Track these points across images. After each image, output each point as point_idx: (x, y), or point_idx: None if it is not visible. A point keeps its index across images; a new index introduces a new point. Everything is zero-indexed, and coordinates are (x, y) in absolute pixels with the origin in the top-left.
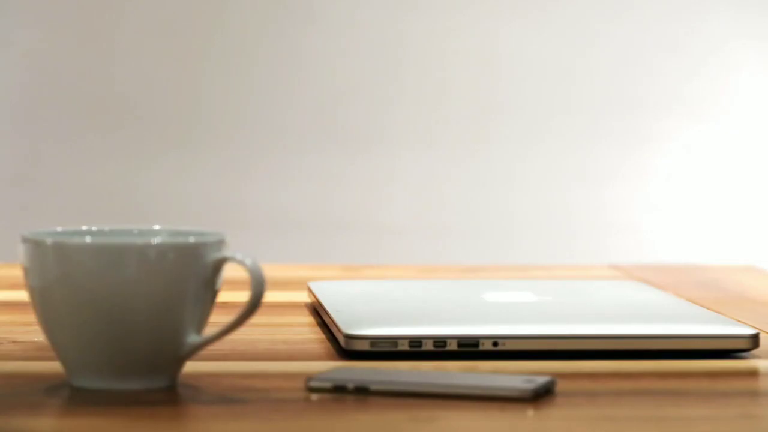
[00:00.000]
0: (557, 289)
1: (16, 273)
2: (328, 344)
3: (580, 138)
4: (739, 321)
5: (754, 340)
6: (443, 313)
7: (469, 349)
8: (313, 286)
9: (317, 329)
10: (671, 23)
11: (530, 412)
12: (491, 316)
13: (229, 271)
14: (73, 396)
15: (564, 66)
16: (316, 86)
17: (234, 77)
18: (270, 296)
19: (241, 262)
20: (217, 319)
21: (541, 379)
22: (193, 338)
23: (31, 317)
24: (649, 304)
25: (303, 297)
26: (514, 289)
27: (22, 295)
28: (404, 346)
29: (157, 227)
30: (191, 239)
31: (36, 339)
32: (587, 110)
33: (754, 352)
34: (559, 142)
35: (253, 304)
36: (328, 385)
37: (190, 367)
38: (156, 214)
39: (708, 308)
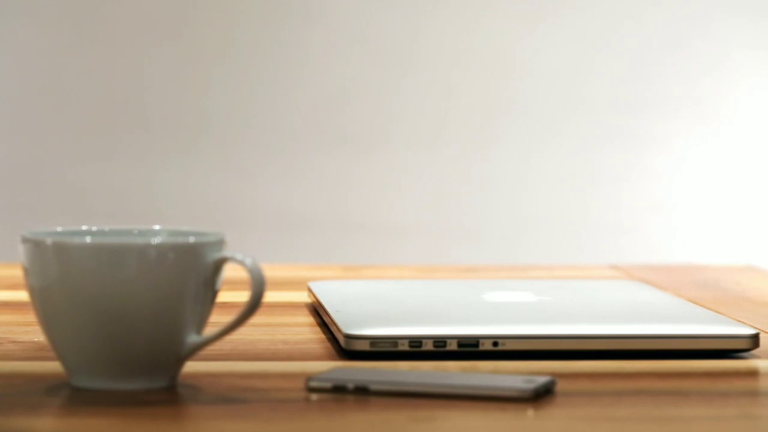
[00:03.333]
0: (557, 289)
1: (16, 273)
2: (328, 344)
3: (582, 139)
4: (739, 321)
5: (754, 340)
6: (443, 313)
7: (469, 349)
8: (313, 286)
9: (317, 329)
10: (676, 28)
11: (530, 412)
12: (491, 316)
13: (229, 271)
14: (73, 396)
15: (568, 68)
16: (320, 86)
17: (235, 76)
18: (270, 296)
19: (241, 262)
20: (217, 319)
21: (541, 379)
22: (193, 338)
23: (31, 317)
24: (649, 304)
25: (303, 297)
26: (514, 289)
27: (22, 295)
28: (404, 346)
29: (157, 227)
30: (191, 239)
31: (36, 339)
32: (591, 112)
33: (754, 352)
34: (562, 143)
35: (253, 304)
36: (328, 385)
37: (190, 367)
38: (156, 214)
39: (708, 308)
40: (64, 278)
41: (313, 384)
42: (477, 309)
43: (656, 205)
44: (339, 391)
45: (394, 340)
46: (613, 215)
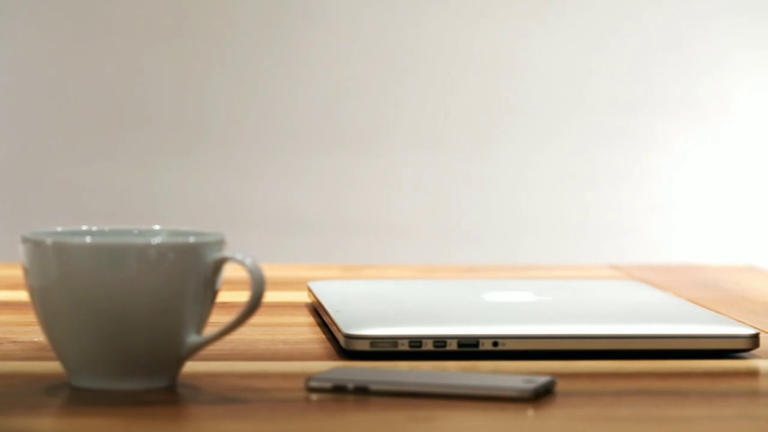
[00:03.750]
0: (557, 289)
1: (16, 273)
2: (328, 344)
3: (582, 139)
4: (739, 321)
5: (754, 340)
6: (443, 313)
7: (469, 349)
8: (313, 286)
9: (317, 329)
10: (676, 28)
11: (530, 412)
12: (491, 316)
13: (229, 271)
14: (73, 396)
15: (568, 68)
16: (320, 86)
17: (235, 76)
18: (270, 296)
19: (241, 262)
20: (217, 319)
21: (541, 379)
22: (193, 338)
23: (31, 317)
24: (649, 304)
25: (303, 297)
26: (514, 289)
27: (22, 295)
28: (404, 346)
29: (157, 227)
30: (191, 239)
31: (36, 339)
32: (590, 112)
33: (754, 352)
34: (562, 144)
35: (253, 304)
36: (328, 385)
37: (190, 367)
38: (156, 214)
39: (708, 308)
40: (64, 278)
41: (313, 384)
42: (477, 309)
43: (656, 205)
44: (339, 391)
45: (394, 340)
46: (613, 215)
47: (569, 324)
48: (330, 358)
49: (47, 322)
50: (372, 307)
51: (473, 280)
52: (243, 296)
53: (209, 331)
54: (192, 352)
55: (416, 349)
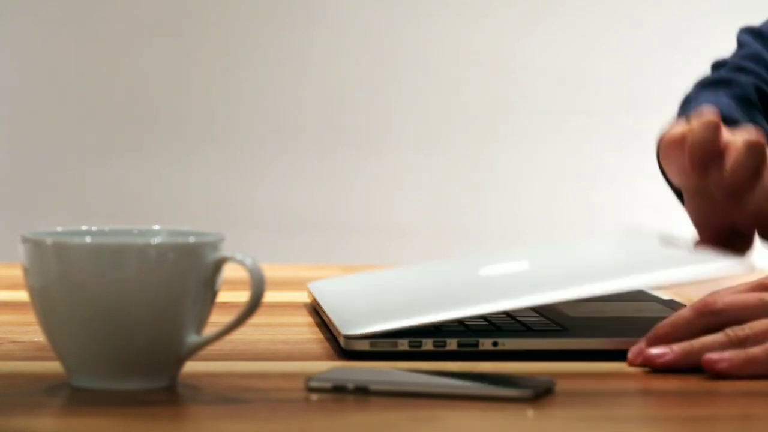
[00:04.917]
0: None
1: (16, 273)
2: (327, 344)
3: (583, 140)
4: None
5: None
6: (443, 313)
7: (469, 349)
8: (312, 286)
9: (317, 329)
10: (676, 29)
11: (530, 412)
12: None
13: (229, 271)
14: (73, 396)
15: (569, 69)
16: (321, 87)
17: (236, 77)
18: (270, 296)
19: (240, 262)
20: (217, 319)
21: (541, 379)
22: (193, 338)
23: (31, 317)
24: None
25: (303, 297)
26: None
27: (22, 295)
28: (404, 346)
29: (156, 227)
30: (191, 239)
31: (36, 339)
32: (591, 112)
33: None
34: (563, 144)
35: (253, 304)
36: (328, 385)
37: (190, 367)
38: (156, 214)
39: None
40: (64, 278)
41: (313, 384)
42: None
43: (656, 205)
44: (339, 391)
45: (393, 340)
46: (613, 215)
47: (568, 287)
48: (330, 358)
49: (47, 322)
50: (372, 307)
51: (472, 259)
52: (243, 296)
53: (209, 331)
54: (192, 352)
55: (416, 349)
